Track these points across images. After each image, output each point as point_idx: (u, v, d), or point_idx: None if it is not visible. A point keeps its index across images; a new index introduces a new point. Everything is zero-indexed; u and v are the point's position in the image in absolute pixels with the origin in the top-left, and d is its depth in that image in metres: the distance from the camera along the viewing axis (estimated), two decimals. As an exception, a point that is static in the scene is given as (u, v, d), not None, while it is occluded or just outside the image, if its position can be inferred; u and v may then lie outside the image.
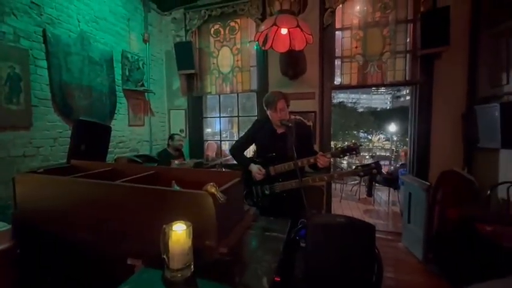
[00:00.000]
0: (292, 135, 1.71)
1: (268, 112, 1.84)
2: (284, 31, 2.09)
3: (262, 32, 2.11)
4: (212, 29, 3.65)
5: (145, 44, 3.47)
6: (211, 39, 3.68)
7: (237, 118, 4.02)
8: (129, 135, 3.28)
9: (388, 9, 2.97)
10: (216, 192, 0.90)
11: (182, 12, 3.67)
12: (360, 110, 18.94)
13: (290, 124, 1.72)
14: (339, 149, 1.68)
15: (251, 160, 1.95)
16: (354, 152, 1.66)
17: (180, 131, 3.83)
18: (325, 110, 3.24)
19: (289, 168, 1.74)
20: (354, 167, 1.78)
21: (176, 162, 3.07)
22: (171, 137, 3.31)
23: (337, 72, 3.30)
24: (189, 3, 3.59)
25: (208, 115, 4.23)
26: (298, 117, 3.16)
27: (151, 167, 1.39)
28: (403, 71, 3.01)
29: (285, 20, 1.94)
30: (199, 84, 3.75)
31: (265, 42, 2.29)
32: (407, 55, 2.99)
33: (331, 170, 3.38)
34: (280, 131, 1.86)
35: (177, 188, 1.16)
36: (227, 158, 3.80)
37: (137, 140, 3.41)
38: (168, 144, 3.32)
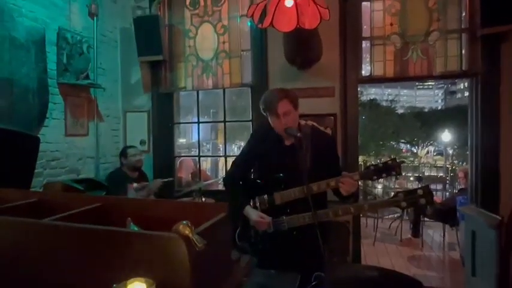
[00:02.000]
0: (303, 148, 1.73)
1: (269, 119, 1.88)
2: (289, 3, 2.15)
3: (258, 4, 2.16)
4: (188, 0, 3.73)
5: (93, 19, 3.52)
6: (187, 13, 3.76)
7: (223, 124, 4.05)
8: (65, 150, 3.27)
9: (434, -27, 3.09)
10: (191, 235, 0.90)
11: (146, -25, 3.77)
12: (400, 111, 19.29)
13: (298, 134, 1.74)
14: (372, 167, 1.70)
15: (249, 182, 1.96)
16: (394, 173, 1.67)
17: (141, 142, 3.84)
18: (350, 112, 3.28)
19: (300, 195, 1.75)
20: (392, 194, 1.79)
21: (135, 185, 3.06)
22: (124, 152, 3.31)
23: (366, 58, 3.38)
24: (155, -38, 3.70)
25: (181, 120, 4.26)
26: (312, 123, 3.20)
27: (97, 197, 1.39)
28: (458, 58, 3.09)
29: None
30: (169, 75, 3.80)
31: (262, 18, 2.34)
32: (463, 35, 3.08)
33: (360, 198, 3.40)
34: (289, 142, 1.89)
35: (134, 228, 1.15)
36: (208, 181, 3.80)
37: (78, 157, 3.41)
38: (122, 163, 3.31)
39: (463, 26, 3.09)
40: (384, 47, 3.24)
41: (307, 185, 1.63)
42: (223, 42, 3.64)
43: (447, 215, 4.24)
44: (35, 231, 1.05)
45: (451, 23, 3.09)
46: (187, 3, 3.75)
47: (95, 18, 3.53)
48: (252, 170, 2.14)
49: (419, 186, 1.68)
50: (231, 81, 3.64)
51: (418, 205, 1.61)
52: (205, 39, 3.70)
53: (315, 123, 3.21)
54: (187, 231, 0.91)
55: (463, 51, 3.08)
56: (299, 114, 1.90)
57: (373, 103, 16.72)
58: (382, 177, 1.69)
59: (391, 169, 1.66)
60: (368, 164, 2.02)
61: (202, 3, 3.70)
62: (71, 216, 1.19)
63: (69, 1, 3.32)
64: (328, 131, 3.22)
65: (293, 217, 1.79)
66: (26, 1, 2.90)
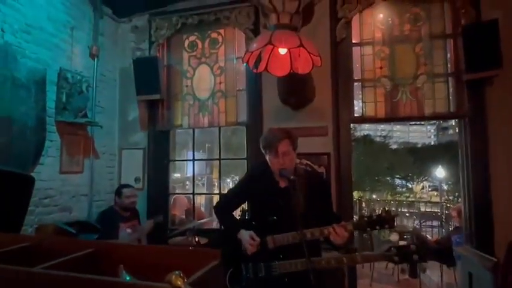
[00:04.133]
0: (296, 191, 1.74)
1: (266, 157, 1.90)
2: (283, 51, 2.26)
3: (252, 51, 2.27)
4: (187, 41, 3.90)
5: (94, 59, 3.64)
6: (185, 55, 3.91)
7: (218, 161, 4.08)
8: (59, 187, 3.25)
9: (420, 21, 3.28)
10: (183, 286, 0.89)
11: (146, 18, 3.95)
12: (394, 146, 19.44)
13: (292, 177, 1.76)
14: (365, 219, 1.70)
15: (243, 224, 1.95)
16: (387, 226, 1.68)
17: (135, 180, 3.83)
18: (343, 151, 3.34)
19: (294, 240, 1.74)
20: (387, 243, 1.79)
21: (128, 231, 3.02)
22: (119, 191, 3.29)
23: (358, 99, 3.50)
24: (155, 7, 3.89)
25: (177, 153, 4.29)
26: (306, 162, 3.24)
27: (89, 242, 1.38)
28: (446, 100, 3.21)
29: (284, 38, 2.10)
30: (166, 114, 3.88)
31: (257, 62, 2.45)
32: (450, 79, 3.22)
33: (354, 243, 3.37)
34: (284, 184, 1.90)
35: (126, 277, 1.14)
36: (203, 220, 3.76)
37: (71, 194, 3.38)
38: (115, 202, 3.28)
39: (449, 71, 3.23)
40: (375, 88, 3.36)
41: (301, 230, 1.63)
42: (220, 83, 3.75)
43: (444, 254, 4.18)
44: (27, 280, 1.03)
45: (438, 67, 3.24)
46: (186, 45, 3.91)
47: (96, 58, 3.65)
48: (245, 209, 2.16)
49: (414, 240, 1.69)
50: (227, 120, 3.71)
51: (411, 261, 1.62)
52: (202, 80, 3.83)
53: (309, 162, 3.30)
54: (179, 282, 0.90)
55: (451, 94, 3.20)
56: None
57: (367, 139, 16.88)
58: (375, 229, 1.70)
59: (384, 222, 1.67)
60: (364, 215, 2.03)
61: (200, 45, 3.85)
62: (63, 263, 1.18)
63: (72, 43, 3.44)
64: (322, 169, 3.26)
65: (285, 263, 1.76)
66: (30, 43, 3.01)
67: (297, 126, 3.28)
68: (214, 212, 2.10)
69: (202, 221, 3.72)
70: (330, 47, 3.32)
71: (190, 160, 4.20)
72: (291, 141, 1.86)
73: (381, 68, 3.36)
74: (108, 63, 3.92)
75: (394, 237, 5.41)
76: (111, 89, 3.98)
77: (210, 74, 3.79)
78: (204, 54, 3.83)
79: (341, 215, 2.55)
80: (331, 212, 1.89)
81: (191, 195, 4.18)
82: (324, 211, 1.84)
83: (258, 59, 2.39)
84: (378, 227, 1.67)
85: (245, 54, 2.36)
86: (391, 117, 3.42)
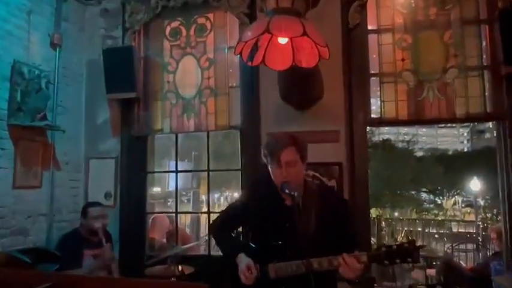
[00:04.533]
0: (303, 211, 1.76)
1: (268, 167, 1.91)
2: (283, 40, 2.26)
3: (247, 41, 2.26)
4: (168, 28, 3.90)
5: (55, 50, 3.64)
6: (166, 44, 3.92)
7: (206, 173, 4.06)
8: (12, 205, 3.22)
9: (449, 4, 3.29)
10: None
11: (119, 0, 3.94)
12: (419, 153, 19.49)
13: (293, 193, 1.76)
14: (384, 249, 1.68)
15: (242, 247, 1.97)
16: (409, 260, 1.65)
17: (106, 196, 3.81)
18: (358, 159, 3.35)
19: (298, 270, 1.73)
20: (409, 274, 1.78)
21: (94, 259, 2.99)
22: (84, 210, 3.26)
23: (375, 97, 3.50)
24: (130, -13, 3.90)
25: (156, 164, 4.27)
26: (313, 173, 3.22)
27: (47, 275, 1.36)
28: (481, 98, 3.22)
29: (284, 26, 2.09)
30: (143, 116, 3.88)
31: (253, 52, 2.44)
32: (485, 73, 3.24)
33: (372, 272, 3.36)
34: (291, 201, 1.87)
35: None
36: (188, 245, 3.74)
37: (27, 214, 3.35)
38: (81, 224, 3.25)
39: (484, 63, 3.25)
40: (396, 84, 3.37)
41: (307, 260, 1.62)
42: (208, 78, 3.75)
43: (481, 285, 4.17)
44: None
45: (471, 59, 3.25)
46: (167, 32, 3.91)
47: (58, 49, 3.65)
48: (244, 231, 2.17)
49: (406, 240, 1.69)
50: (217, 123, 3.71)
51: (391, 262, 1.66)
52: (186, 74, 3.83)
53: (316, 174, 3.29)
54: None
55: (487, 91, 3.21)
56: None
57: (386, 144, 16.95)
58: (395, 263, 1.67)
59: (407, 254, 1.63)
60: (381, 217, 2.02)
61: (184, 33, 3.86)
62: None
63: (29, 30, 3.42)
64: (333, 183, 3.25)
65: None
66: (-23, 31, 3.01)
67: (302, 130, 3.25)
68: (210, 233, 2.13)
69: (187, 246, 3.72)
70: (342, 35, 3.32)
71: (172, 172, 4.17)
72: (298, 149, 1.86)
73: (402, 60, 3.36)
74: (73, 54, 3.91)
75: (417, 274, 5.37)
76: (76, 86, 3.96)
77: (197, 68, 3.79)
78: (189, 44, 3.83)
79: (359, 238, 2.53)
80: (350, 236, 1.90)
81: (174, 215, 4.15)
82: (340, 240, 1.82)
83: (254, 50, 2.39)
84: (398, 260, 1.65)
85: (238, 44, 2.35)
86: (416, 120, 3.41)
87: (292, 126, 3.20)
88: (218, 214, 2.23)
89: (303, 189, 1.94)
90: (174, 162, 4.09)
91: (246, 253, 1.89)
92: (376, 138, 15.83)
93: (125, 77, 3.67)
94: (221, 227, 2.12)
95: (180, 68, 3.85)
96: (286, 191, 1.80)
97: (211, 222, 2.11)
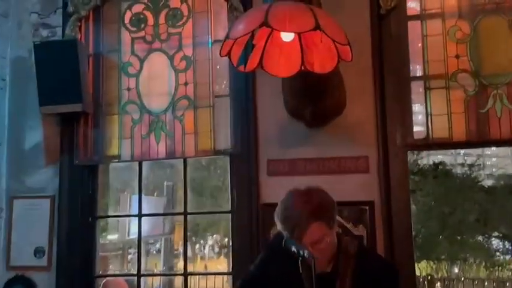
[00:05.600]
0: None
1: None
2: (288, 36, 2.31)
3: (238, 38, 2.29)
4: (128, 14, 3.95)
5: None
6: (126, 36, 3.97)
7: (183, 216, 4.04)
8: None
9: (517, -18, 3.36)
10: None
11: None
12: (488, 182, 19.18)
13: (313, 256, 1.84)
14: None
15: None
16: None
17: (36, 253, 3.83)
18: (396, 196, 3.35)
19: None
20: None
21: None
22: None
23: (419, 110, 3.55)
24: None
25: (111, 208, 4.22)
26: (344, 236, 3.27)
27: None
28: None
29: (289, 16, 2.04)
30: (92, 136, 3.91)
31: (245, 56, 2.49)
32: None
33: None
34: (324, 267, 2.02)
35: None
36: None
37: None
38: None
39: None
40: (448, 91, 3.38)
41: None
42: (185, 84, 3.79)
43: None
44: None
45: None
46: (127, 20, 3.95)
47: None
48: None
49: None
50: (197, 147, 3.73)
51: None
52: (154, 78, 3.87)
53: (338, 218, 3.29)
54: None
55: None
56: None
57: (440, 170, 16.63)
58: None
59: None
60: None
61: (151, 21, 3.89)
62: None
63: None
64: (361, 230, 3.28)
65: None
66: None
67: (316, 156, 3.37)
68: None
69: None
70: (370, 25, 3.41)
71: (134, 216, 4.19)
72: (326, 221, 1.98)
73: (457, 56, 3.40)
74: (-8, 49, 3.96)
75: None
76: (-5, 95, 4.00)
77: (169, 69, 3.83)
78: (157, 36, 3.87)
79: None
80: None
81: (135, 278, 4.12)
82: None
83: (248, 50, 2.45)
84: None
85: (225, 42, 2.34)
86: (477, 141, 3.45)
87: (303, 150, 3.31)
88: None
89: (337, 258, 2.06)
90: (138, 198, 4.10)
91: None
92: (424, 162, 15.70)
93: (67, 83, 3.69)
94: None
95: (146, 69, 3.88)
96: (314, 270, 1.88)
97: None
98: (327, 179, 3.20)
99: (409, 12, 3.53)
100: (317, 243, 1.93)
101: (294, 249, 1.91)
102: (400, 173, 3.41)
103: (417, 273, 8.03)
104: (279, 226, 2.04)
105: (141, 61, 3.93)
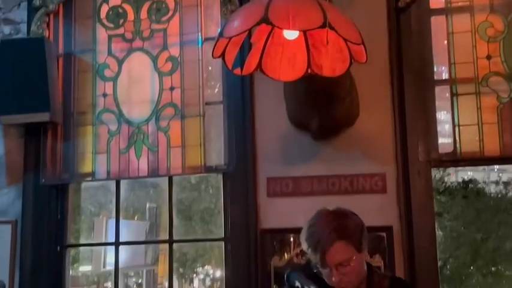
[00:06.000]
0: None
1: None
2: (292, 34, 2.31)
3: (232, 37, 2.32)
4: (105, 8, 3.97)
5: None
6: (102, 34, 3.99)
7: (168, 244, 4.03)
8: None
9: None
10: None
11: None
12: (526, 201, 19.25)
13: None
14: None
15: None
16: None
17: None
18: (419, 221, 3.35)
19: None
20: None
21: None
22: None
23: (445, 119, 3.57)
24: None
25: (84, 235, 4.23)
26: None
27: None
28: None
29: (293, 11, 2.04)
30: (61, 151, 3.90)
31: (241, 57, 2.50)
32: None
33: None
34: None
35: None
36: None
37: None
38: None
39: None
40: (478, 98, 3.40)
41: None
42: (171, 89, 3.79)
43: None
44: None
45: None
46: (103, 15, 3.97)
47: None
48: None
49: None
50: (185, 163, 3.73)
51: None
52: (135, 83, 3.89)
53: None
54: None
55: None
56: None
57: (470, 189, 16.62)
58: None
59: None
60: None
61: (131, 16, 3.92)
62: None
63: None
64: (377, 261, 3.27)
65: None
66: None
67: (324, 173, 3.37)
68: None
69: None
70: (387, 20, 3.43)
71: (110, 244, 4.16)
72: (351, 241, 1.98)
73: (488, 57, 3.42)
74: None
75: None
76: None
77: (152, 72, 3.85)
78: (139, 33, 3.89)
79: None
80: None
81: None
82: None
83: (246, 46, 2.45)
84: None
85: (218, 41, 2.34)
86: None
87: (309, 167, 3.32)
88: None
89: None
90: (114, 222, 4.10)
91: None
92: (451, 179, 15.66)
93: (32, 88, 3.71)
94: None
95: (125, 72, 3.91)
96: None
97: None
98: (337, 201, 3.09)
99: (432, 5, 3.55)
100: (341, 265, 1.93)
101: (297, 284, 1.95)
102: (423, 193, 3.41)
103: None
104: (303, 245, 2.04)
105: (120, 62, 3.94)
